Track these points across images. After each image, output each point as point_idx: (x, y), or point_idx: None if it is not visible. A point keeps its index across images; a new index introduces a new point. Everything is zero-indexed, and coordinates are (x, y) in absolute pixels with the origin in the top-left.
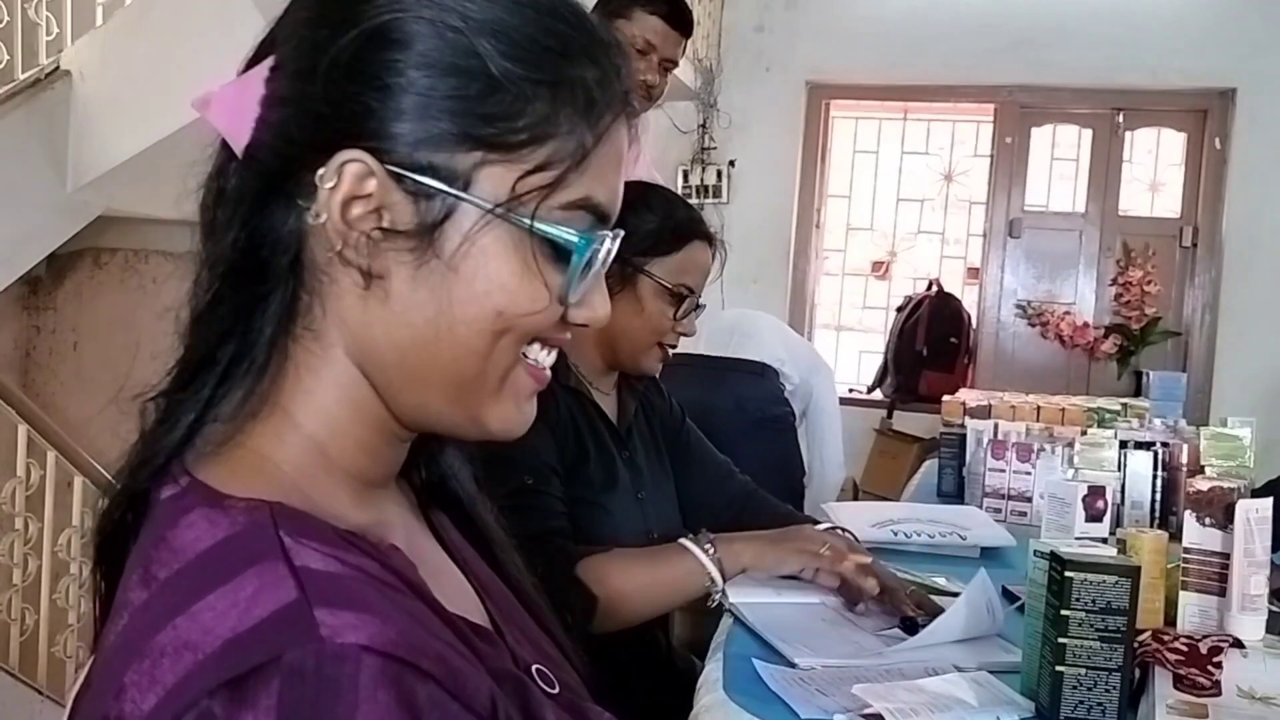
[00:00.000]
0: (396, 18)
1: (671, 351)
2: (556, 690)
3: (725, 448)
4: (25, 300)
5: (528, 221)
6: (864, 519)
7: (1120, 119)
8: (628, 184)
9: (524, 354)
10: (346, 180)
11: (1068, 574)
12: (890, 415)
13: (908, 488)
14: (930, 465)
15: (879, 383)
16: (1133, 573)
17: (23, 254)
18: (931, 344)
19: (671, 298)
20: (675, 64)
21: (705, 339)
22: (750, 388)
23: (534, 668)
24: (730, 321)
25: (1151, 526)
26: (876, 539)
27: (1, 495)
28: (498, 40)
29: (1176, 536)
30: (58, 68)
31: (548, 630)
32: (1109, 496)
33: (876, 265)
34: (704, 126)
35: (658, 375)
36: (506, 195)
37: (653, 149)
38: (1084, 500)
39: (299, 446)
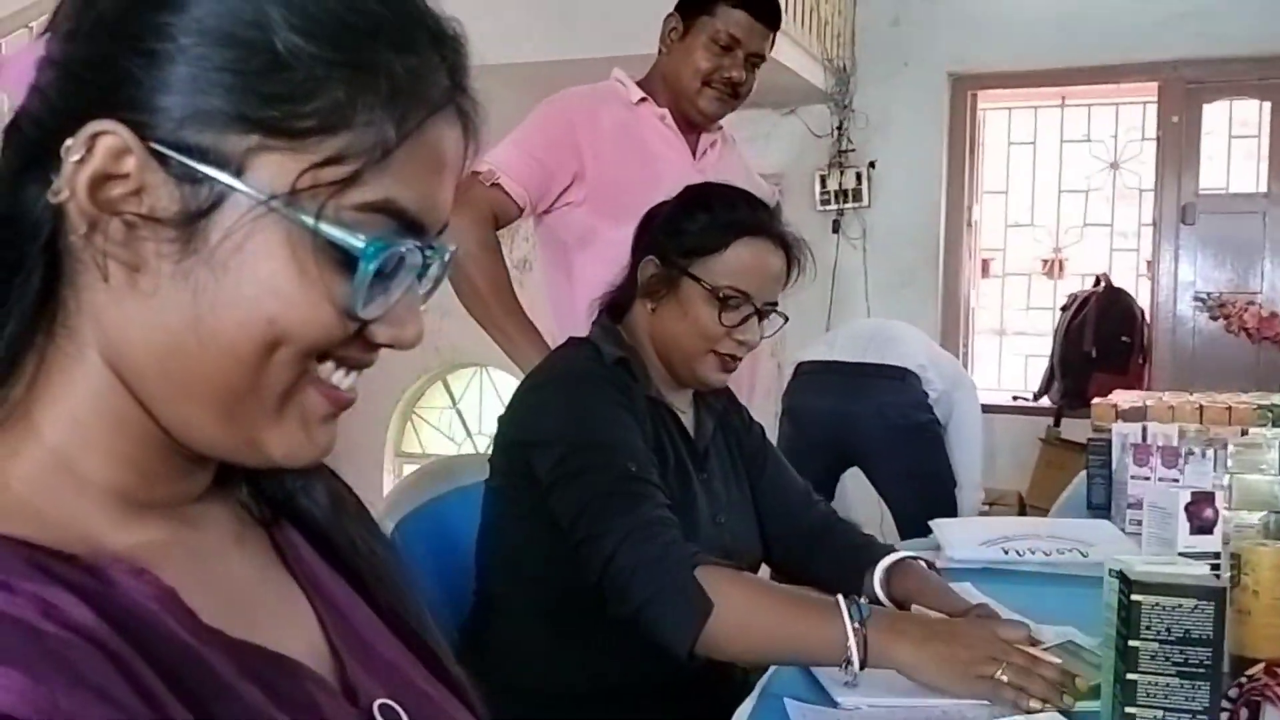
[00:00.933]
0: None
1: (732, 361)
2: None
3: (867, 457)
4: None
5: (310, 220)
6: (974, 536)
7: None
8: (689, 190)
9: (315, 373)
10: (98, 155)
11: (1134, 597)
12: (1057, 423)
13: (1057, 502)
14: (1082, 477)
15: (1045, 388)
16: (1216, 595)
17: None
18: (1101, 344)
19: (717, 300)
20: (763, 59)
21: (840, 346)
22: (891, 394)
23: (377, 703)
24: (869, 328)
25: None
26: (985, 559)
27: None
28: (290, 11)
29: None
30: None
31: (428, 662)
32: (1218, 504)
33: (1045, 264)
34: (840, 129)
35: (721, 386)
36: (286, 188)
37: (777, 154)
38: (1188, 509)
39: (39, 461)
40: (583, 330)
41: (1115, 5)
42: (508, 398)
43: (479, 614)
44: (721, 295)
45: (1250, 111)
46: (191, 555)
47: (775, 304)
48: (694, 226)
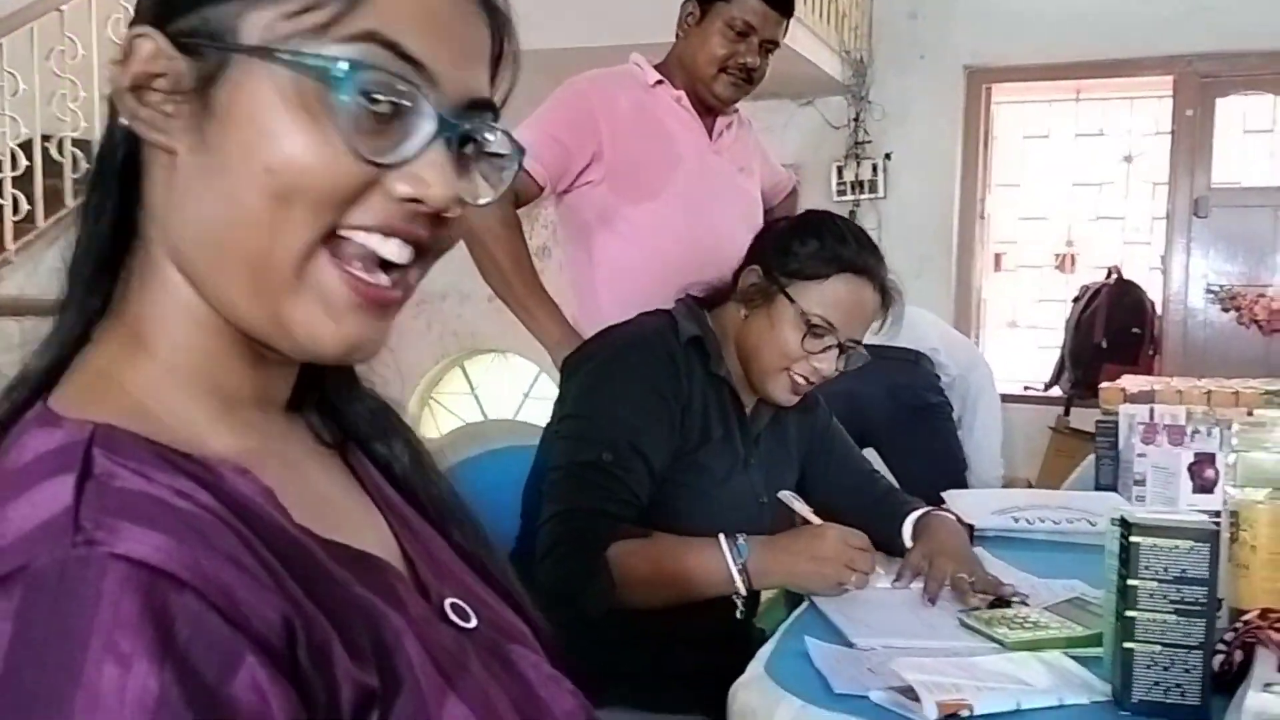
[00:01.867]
0: None
1: (804, 384)
2: (473, 625)
3: (879, 437)
4: None
5: (286, 55)
6: (986, 506)
7: None
8: (808, 214)
9: (341, 249)
10: (134, 54)
11: (1133, 539)
12: (1067, 412)
13: (1066, 482)
14: (1091, 459)
15: (1056, 379)
16: (1210, 537)
17: None
18: (1111, 335)
19: (805, 325)
20: (776, 45)
21: None
22: (903, 375)
23: (448, 601)
24: None
25: None
26: (996, 526)
27: None
28: None
29: None
30: None
31: (489, 576)
32: (1219, 465)
33: (1058, 257)
34: (857, 120)
35: (786, 404)
36: (271, 37)
37: (795, 144)
38: (1190, 469)
39: (148, 367)
40: (603, 307)
41: (1129, 0)
42: (526, 384)
43: (517, 555)
44: (810, 321)
45: (1264, 106)
46: (280, 461)
47: (858, 342)
48: (803, 250)
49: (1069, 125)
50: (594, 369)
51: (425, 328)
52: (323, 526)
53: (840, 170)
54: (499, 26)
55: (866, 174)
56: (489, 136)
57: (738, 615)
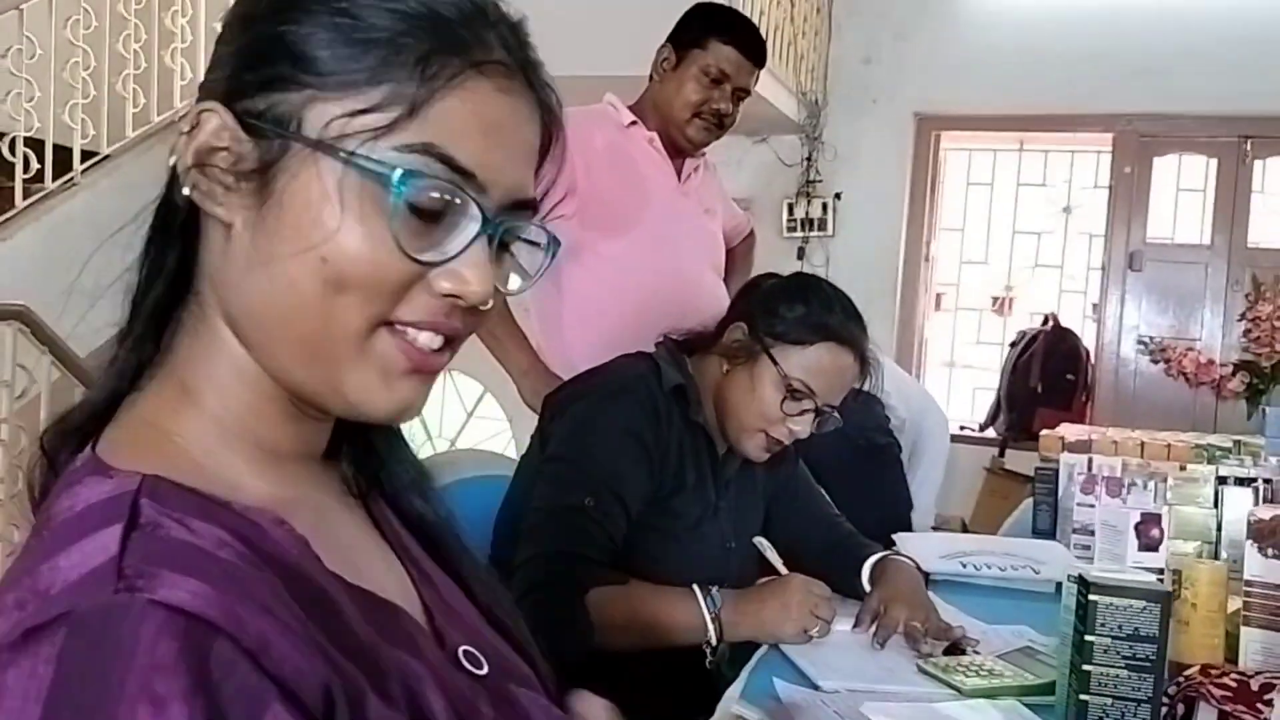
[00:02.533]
0: None
1: (775, 444)
2: (484, 671)
3: (826, 476)
4: None
5: (345, 154)
6: (934, 550)
7: (1248, 147)
8: (798, 276)
9: (396, 326)
10: (201, 127)
11: (1092, 597)
12: (1002, 454)
13: (1003, 525)
14: (1028, 503)
15: (991, 420)
16: (1162, 598)
17: None
18: (1047, 381)
19: (785, 388)
20: (748, 93)
21: None
22: (853, 416)
23: (461, 649)
24: None
25: None
26: (944, 571)
27: None
28: None
29: None
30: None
31: (496, 621)
32: (1164, 525)
33: (995, 300)
34: (809, 159)
35: (758, 460)
36: (333, 133)
37: (748, 180)
38: (1137, 528)
39: (194, 418)
40: (568, 340)
41: (1075, 59)
42: (470, 403)
43: None
44: (790, 385)
45: (1198, 166)
46: (313, 510)
47: (834, 407)
48: (789, 314)
49: (1012, 174)
50: (581, 412)
51: None
52: (350, 573)
53: (791, 207)
54: (550, 124)
55: (816, 212)
56: (528, 234)
57: (707, 664)
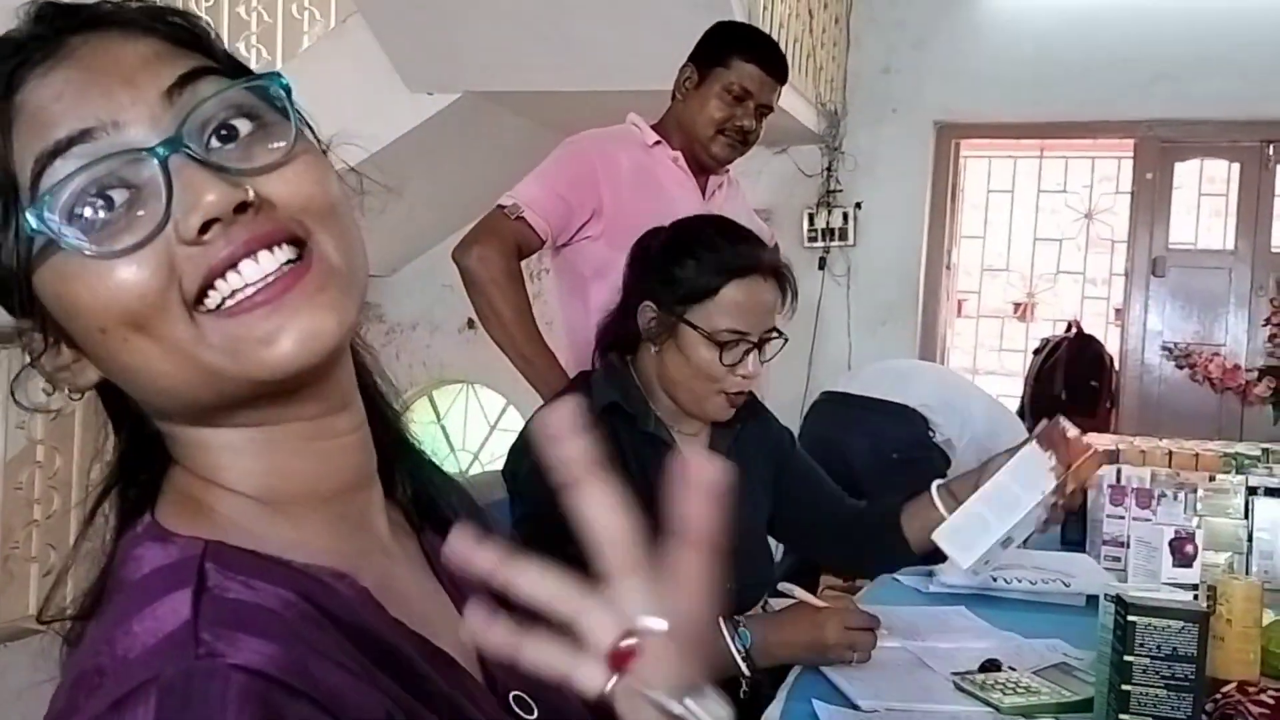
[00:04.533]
0: None
1: (738, 395)
2: (534, 715)
3: (859, 488)
4: None
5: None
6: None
7: (1270, 151)
8: (677, 228)
9: (207, 300)
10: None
11: (1130, 618)
12: None
13: (1033, 536)
14: None
15: None
16: (1200, 618)
17: None
18: (1070, 388)
19: (717, 345)
20: (771, 110)
21: (862, 380)
22: (889, 428)
23: (512, 694)
24: (893, 366)
25: None
26: (975, 585)
27: None
28: None
29: None
30: None
31: None
32: (1199, 542)
33: (1016, 307)
34: (829, 169)
35: (727, 419)
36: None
37: (768, 191)
38: (1171, 544)
39: (221, 495)
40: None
41: (1095, 65)
42: (493, 416)
43: None
44: (719, 340)
45: (1220, 171)
46: (371, 559)
47: (772, 329)
48: (684, 274)
49: (1032, 181)
50: (524, 467)
51: (394, 357)
52: (410, 618)
53: (811, 217)
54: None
55: (837, 222)
56: (209, 118)
57: (741, 694)
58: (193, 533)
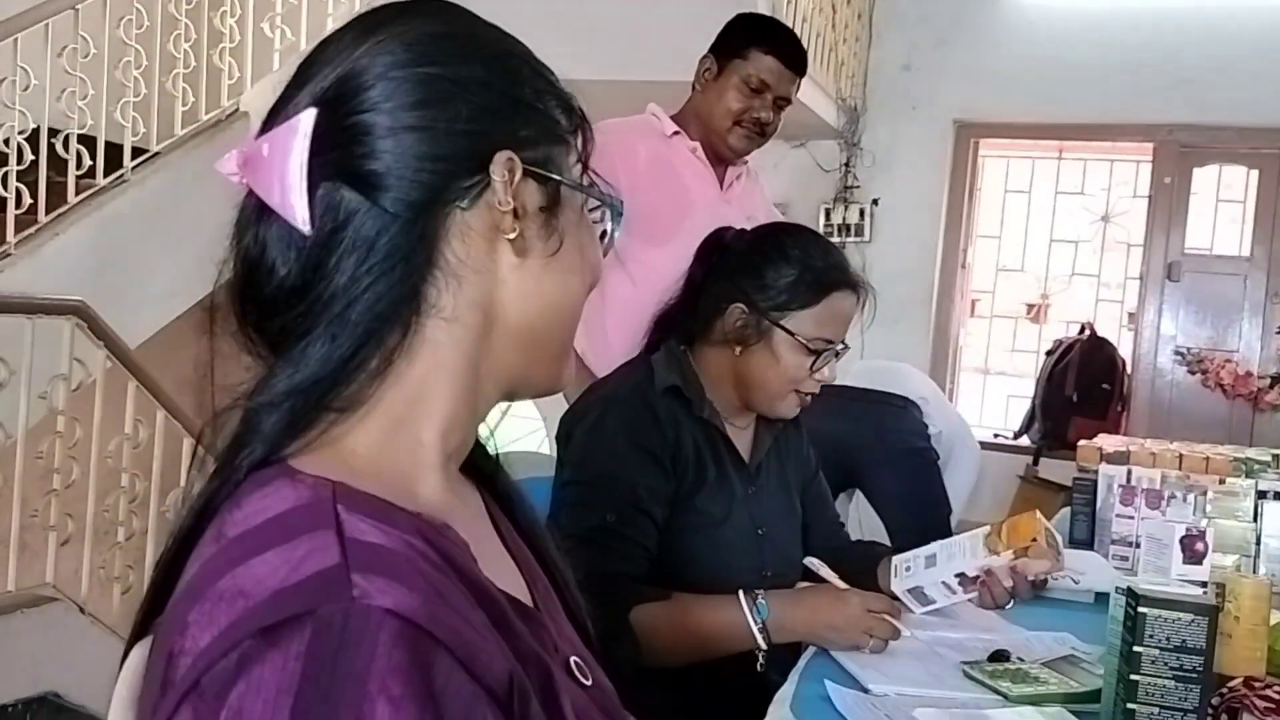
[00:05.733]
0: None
1: (808, 396)
2: (590, 683)
3: (867, 478)
4: (204, 325)
5: (598, 194)
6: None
7: None
8: (763, 233)
9: None
10: (508, 174)
11: (1141, 609)
12: (1036, 462)
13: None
14: (1064, 512)
15: (1026, 428)
16: (1209, 612)
17: (200, 281)
18: (1082, 390)
19: (810, 352)
20: (789, 102)
21: (853, 374)
22: (892, 419)
23: (572, 659)
24: (883, 365)
25: None
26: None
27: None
28: (546, 73)
29: None
30: (237, 109)
31: (583, 630)
32: (1209, 540)
33: (1030, 308)
34: (847, 165)
35: (793, 415)
36: (579, 175)
37: (785, 185)
38: (1182, 542)
39: (382, 429)
40: (612, 345)
41: (1116, 68)
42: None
43: None
44: (813, 348)
45: (1238, 177)
46: (465, 515)
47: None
48: (781, 281)
49: (1050, 182)
50: (583, 432)
51: None
52: (495, 578)
53: (828, 212)
54: None
55: (854, 218)
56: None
57: (758, 668)
58: (319, 473)
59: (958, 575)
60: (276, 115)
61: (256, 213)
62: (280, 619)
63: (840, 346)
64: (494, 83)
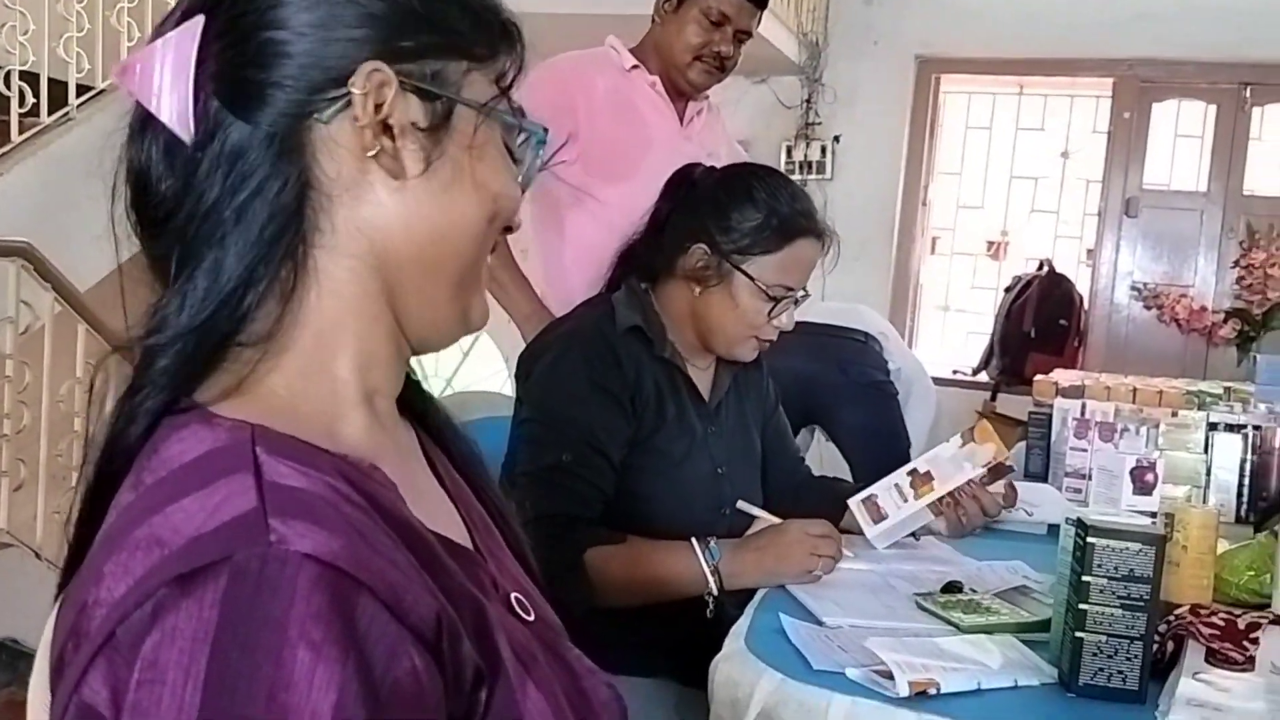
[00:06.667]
0: None
1: (766, 341)
2: (532, 619)
3: (830, 413)
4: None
5: (512, 119)
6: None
7: (1248, 94)
8: (731, 174)
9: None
10: (374, 88)
11: (1090, 539)
12: (994, 398)
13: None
14: (1020, 446)
15: (984, 364)
16: (1157, 541)
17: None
18: (1039, 326)
19: (769, 298)
20: (749, 35)
21: (811, 313)
22: (853, 353)
23: (512, 595)
24: (837, 307)
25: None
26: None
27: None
28: None
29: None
30: None
31: (526, 565)
32: (1159, 471)
33: (990, 245)
34: (809, 101)
35: (751, 359)
36: (488, 96)
37: (747, 121)
38: (1132, 473)
39: (297, 369)
40: (572, 285)
41: (1077, 3)
42: (466, 343)
43: None
44: (774, 294)
45: (1197, 112)
46: (394, 455)
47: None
48: (746, 224)
49: (1011, 119)
50: (542, 370)
51: None
52: (427, 518)
53: (790, 150)
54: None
55: (815, 155)
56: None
57: (708, 614)
58: (236, 415)
59: (909, 473)
60: (167, 21)
61: (142, 123)
62: (196, 566)
63: (800, 294)
64: None
